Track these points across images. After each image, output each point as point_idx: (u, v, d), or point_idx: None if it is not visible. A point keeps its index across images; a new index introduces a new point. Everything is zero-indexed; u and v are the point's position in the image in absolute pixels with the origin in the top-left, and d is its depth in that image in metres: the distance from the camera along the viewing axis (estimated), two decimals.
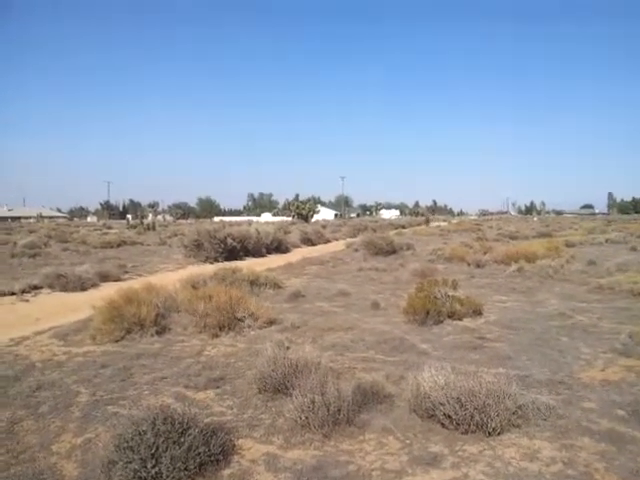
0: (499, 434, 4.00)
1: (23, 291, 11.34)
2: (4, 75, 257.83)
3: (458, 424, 4.04)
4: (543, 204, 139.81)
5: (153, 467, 3.31)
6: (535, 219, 76.82)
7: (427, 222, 60.55)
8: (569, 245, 20.48)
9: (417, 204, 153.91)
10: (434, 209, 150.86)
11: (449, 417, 4.06)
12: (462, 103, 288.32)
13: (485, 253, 16.03)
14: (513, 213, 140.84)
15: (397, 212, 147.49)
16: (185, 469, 3.37)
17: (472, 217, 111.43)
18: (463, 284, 11.07)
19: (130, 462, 3.32)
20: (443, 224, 57.52)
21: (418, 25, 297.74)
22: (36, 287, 11.90)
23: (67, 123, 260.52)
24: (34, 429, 4.28)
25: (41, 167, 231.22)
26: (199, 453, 3.47)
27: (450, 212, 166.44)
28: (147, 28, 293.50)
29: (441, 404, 4.09)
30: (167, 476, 3.30)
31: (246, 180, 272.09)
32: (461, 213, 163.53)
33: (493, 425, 3.98)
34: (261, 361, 5.15)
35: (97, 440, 3.99)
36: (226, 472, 3.55)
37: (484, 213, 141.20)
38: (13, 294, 11.11)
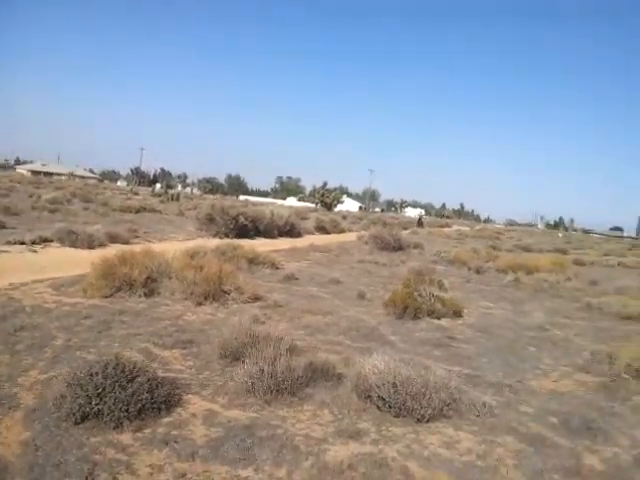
0: (428, 422, 4.25)
1: (33, 242, 11.86)
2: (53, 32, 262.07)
3: (390, 407, 4.31)
4: (572, 221, 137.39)
5: (97, 405, 3.66)
6: (560, 235, 75.73)
7: (446, 225, 60.27)
8: (578, 263, 20.40)
9: (444, 206, 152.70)
10: (460, 213, 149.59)
11: (383, 399, 4.33)
12: (503, 110, 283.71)
13: (489, 261, 16.13)
14: (540, 227, 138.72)
15: (422, 211, 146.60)
16: (126, 410, 3.70)
17: (498, 225, 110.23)
18: (456, 287, 11.30)
19: (77, 398, 3.68)
20: (464, 229, 57.19)
21: (459, 23, 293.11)
22: (47, 240, 12.43)
23: (108, 87, 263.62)
24: (7, 363, 4.68)
25: (77, 126, 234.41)
26: (141, 399, 3.80)
27: (476, 218, 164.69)
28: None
29: (377, 387, 4.37)
30: (107, 414, 3.64)
31: (276, 163, 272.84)
32: (488, 220, 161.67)
33: (422, 412, 4.25)
34: (226, 330, 5.48)
35: (58, 378, 4.35)
36: (165, 420, 3.88)
37: (511, 223, 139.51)
38: (23, 244, 11.63)
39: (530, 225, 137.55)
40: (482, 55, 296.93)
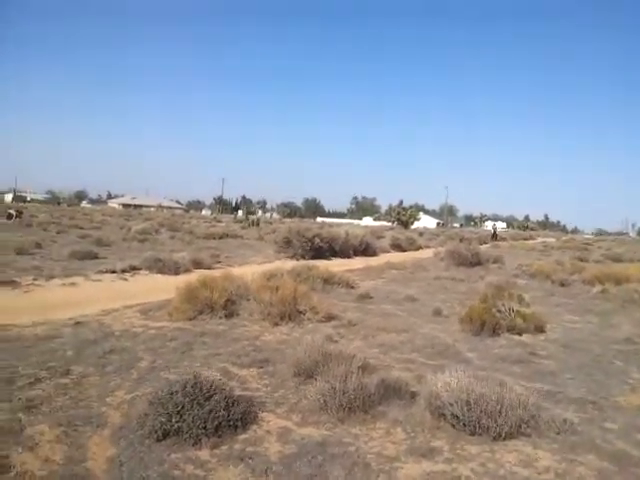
0: (504, 439, 4.15)
1: (123, 270, 12.65)
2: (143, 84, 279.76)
3: (465, 425, 4.24)
4: None
5: (177, 422, 3.87)
6: None
7: (530, 237, 58.02)
8: None
9: (527, 218, 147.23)
10: (545, 224, 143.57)
11: (457, 417, 4.27)
12: (581, 114, 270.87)
13: (574, 273, 15.39)
14: (632, 234, 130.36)
15: (504, 225, 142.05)
16: (204, 428, 3.89)
17: (586, 236, 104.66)
18: (539, 301, 10.90)
19: (159, 416, 3.91)
20: (550, 240, 54.84)
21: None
22: (136, 268, 13.21)
23: (190, 125, 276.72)
24: (97, 384, 5.03)
25: (164, 161, 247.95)
26: (218, 417, 3.97)
27: (563, 229, 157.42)
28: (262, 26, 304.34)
29: (450, 405, 4.32)
30: (186, 431, 3.84)
31: (354, 184, 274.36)
32: (575, 231, 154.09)
33: (498, 430, 4.15)
34: (300, 348, 5.61)
35: (142, 397, 4.63)
36: (241, 437, 4.04)
37: (600, 232, 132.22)
38: (114, 272, 12.43)
39: (621, 234, 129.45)
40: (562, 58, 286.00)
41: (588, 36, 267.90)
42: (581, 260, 23.13)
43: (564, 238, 66.33)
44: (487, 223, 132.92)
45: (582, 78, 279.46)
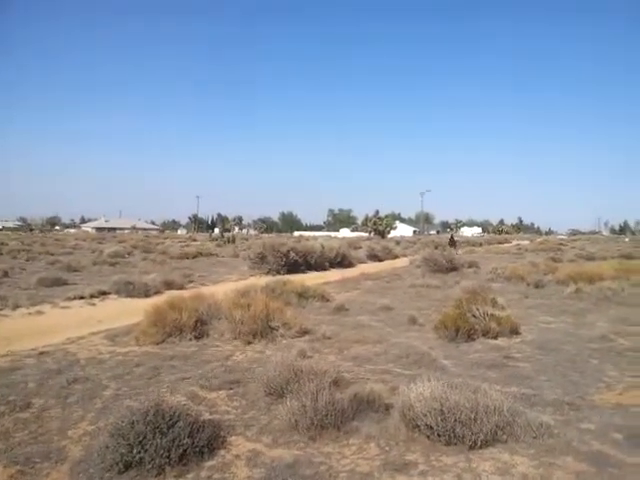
0: (481, 448, 4.04)
1: (92, 296, 12.33)
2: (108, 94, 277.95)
3: (440, 435, 4.12)
4: (638, 224, 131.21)
5: (138, 453, 3.68)
6: (627, 240, 72.13)
7: (505, 240, 58.72)
8: None
9: (501, 222, 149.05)
10: (519, 227, 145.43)
11: (431, 428, 4.15)
12: (549, 114, 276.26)
13: (548, 273, 15.50)
14: (605, 233, 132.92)
15: (479, 230, 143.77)
16: (167, 457, 3.70)
17: (560, 236, 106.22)
18: (513, 304, 10.91)
19: (119, 447, 3.71)
20: (524, 243, 55.52)
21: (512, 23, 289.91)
22: (105, 293, 12.90)
23: (162, 140, 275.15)
24: (58, 416, 4.80)
25: (138, 181, 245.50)
26: (182, 444, 3.79)
27: (537, 231, 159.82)
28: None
29: (424, 415, 4.20)
30: (149, 461, 3.65)
31: (329, 196, 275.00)
32: (549, 232, 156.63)
33: (474, 439, 4.04)
34: (271, 367, 5.45)
35: (105, 428, 4.42)
36: (208, 464, 3.85)
37: (574, 232, 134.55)
38: (83, 298, 12.11)
39: (594, 233, 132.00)
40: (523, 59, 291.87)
41: (542, 32, 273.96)
42: (555, 260, 23.40)
43: (538, 240, 67.38)
44: (463, 229, 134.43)
45: (550, 79, 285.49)
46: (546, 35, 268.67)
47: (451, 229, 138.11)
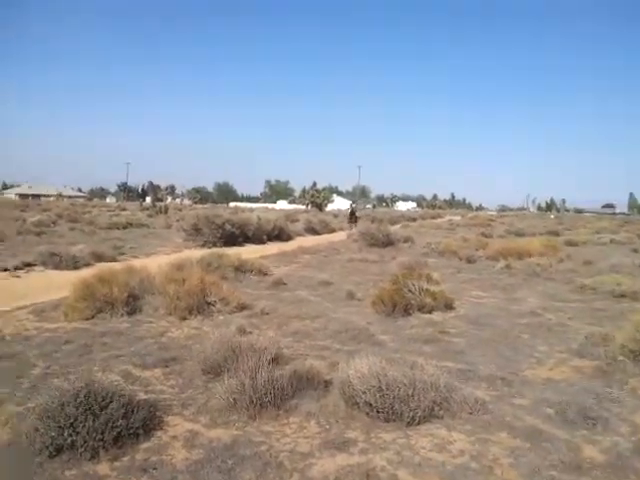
0: (419, 424, 4.10)
1: (16, 268, 11.64)
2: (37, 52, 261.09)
3: (379, 412, 4.15)
4: (563, 202, 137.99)
5: (70, 436, 3.49)
6: (552, 217, 75.93)
7: (438, 215, 60.41)
8: (571, 244, 20.34)
9: (435, 197, 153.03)
10: (452, 203, 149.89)
11: (370, 405, 4.17)
12: (484, 94, 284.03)
13: (479, 249, 16.02)
14: (532, 210, 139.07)
15: (414, 204, 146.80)
16: (101, 440, 3.53)
17: (490, 212, 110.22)
18: (447, 278, 11.19)
19: (49, 430, 3.51)
20: (456, 218, 57.19)
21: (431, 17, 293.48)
22: (30, 264, 12.21)
23: (89, 102, 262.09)
24: None
25: (64, 144, 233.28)
26: (116, 426, 3.63)
27: (468, 207, 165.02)
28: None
29: (362, 392, 4.21)
30: (81, 445, 3.48)
31: (266, 167, 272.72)
32: (480, 208, 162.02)
33: (412, 415, 4.09)
34: (208, 344, 5.32)
35: (34, 409, 4.17)
36: (144, 446, 3.71)
37: (503, 209, 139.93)
38: (6, 270, 11.41)
39: (522, 209, 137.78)
40: (465, 44, 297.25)
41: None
42: (485, 236, 24.23)
43: (469, 215, 69.58)
44: (398, 203, 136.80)
45: (480, 60, 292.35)
46: None
47: (387, 203, 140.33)
